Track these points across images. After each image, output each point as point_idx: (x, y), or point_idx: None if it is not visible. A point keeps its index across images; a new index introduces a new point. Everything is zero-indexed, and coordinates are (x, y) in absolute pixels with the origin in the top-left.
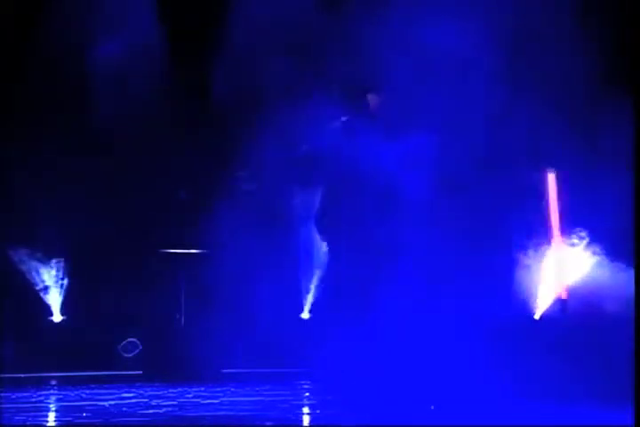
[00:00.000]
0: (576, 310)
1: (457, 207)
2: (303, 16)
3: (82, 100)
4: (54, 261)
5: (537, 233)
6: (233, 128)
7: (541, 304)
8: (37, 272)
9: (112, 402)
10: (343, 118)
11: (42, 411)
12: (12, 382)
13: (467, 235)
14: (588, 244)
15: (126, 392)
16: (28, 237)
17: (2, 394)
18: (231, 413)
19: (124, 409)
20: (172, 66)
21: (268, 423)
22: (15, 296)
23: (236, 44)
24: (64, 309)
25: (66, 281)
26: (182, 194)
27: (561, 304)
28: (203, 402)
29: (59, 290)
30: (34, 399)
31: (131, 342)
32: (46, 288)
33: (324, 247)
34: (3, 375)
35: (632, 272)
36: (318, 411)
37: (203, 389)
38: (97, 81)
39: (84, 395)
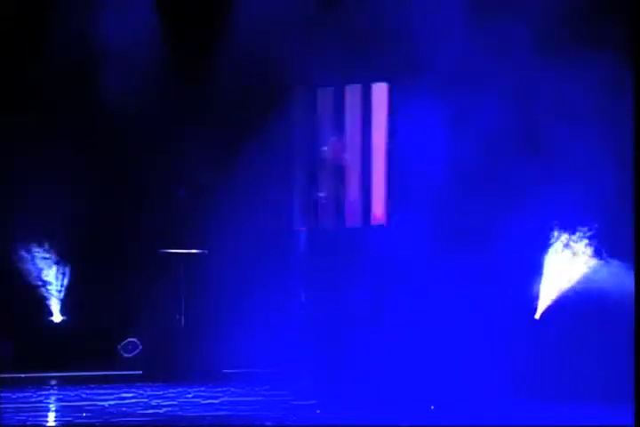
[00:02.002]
0: (576, 310)
1: (460, 204)
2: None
3: (82, 98)
4: (54, 261)
5: (538, 230)
6: (235, 124)
7: (541, 304)
8: (37, 272)
9: (112, 402)
10: (324, 148)
11: (42, 411)
12: (12, 382)
13: (466, 232)
14: (589, 241)
15: (126, 392)
16: (28, 237)
17: (2, 394)
18: (231, 413)
19: (124, 409)
20: (172, 64)
21: (267, 423)
22: (15, 296)
23: (240, 31)
24: (64, 309)
25: (66, 281)
26: (181, 192)
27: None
28: (203, 402)
29: (59, 290)
30: (34, 399)
31: (131, 342)
32: (46, 288)
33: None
34: (3, 375)
35: (632, 272)
36: (318, 411)
37: (203, 389)
38: (97, 79)
39: (83, 395)
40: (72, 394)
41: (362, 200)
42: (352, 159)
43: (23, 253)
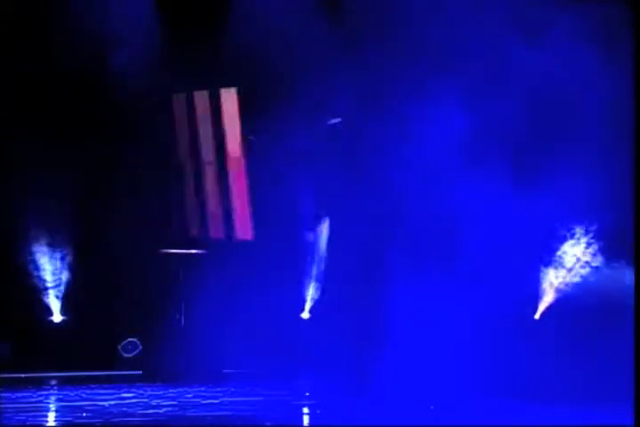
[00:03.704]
0: (576, 310)
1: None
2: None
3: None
4: (54, 261)
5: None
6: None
7: (542, 304)
8: (38, 272)
9: (112, 402)
10: (334, 120)
11: (42, 411)
12: (12, 382)
13: (465, 233)
14: (590, 241)
15: (126, 392)
16: (29, 237)
17: (2, 394)
18: (231, 413)
19: (124, 409)
20: (173, 63)
21: (267, 423)
22: (15, 296)
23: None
24: (64, 309)
25: (66, 281)
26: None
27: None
28: (203, 402)
29: (59, 290)
30: (34, 399)
31: (131, 342)
32: (46, 288)
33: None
34: (3, 375)
35: (632, 271)
36: (318, 411)
37: (203, 389)
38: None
39: (84, 395)
40: (72, 394)
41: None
42: None
43: (24, 254)
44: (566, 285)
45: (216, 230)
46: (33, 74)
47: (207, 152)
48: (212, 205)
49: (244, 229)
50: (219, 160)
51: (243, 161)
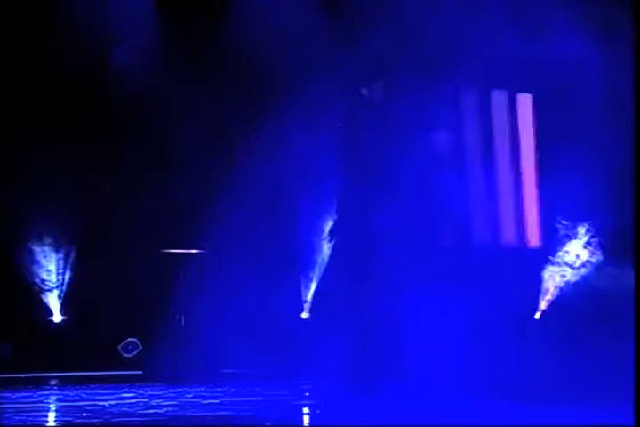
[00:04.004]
0: (575, 309)
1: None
2: None
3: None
4: (54, 261)
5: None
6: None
7: (542, 303)
8: (38, 272)
9: (112, 402)
10: (339, 124)
11: (42, 411)
12: (12, 382)
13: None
14: (590, 240)
15: (126, 392)
16: (29, 237)
17: (2, 394)
18: (231, 413)
19: (124, 409)
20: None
21: (267, 423)
22: (15, 296)
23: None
24: (64, 309)
25: (66, 281)
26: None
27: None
28: (203, 402)
29: (59, 290)
30: (34, 399)
31: (131, 342)
32: (46, 288)
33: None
34: (3, 375)
35: (632, 271)
36: (318, 411)
37: (203, 389)
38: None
39: (83, 395)
40: (72, 394)
41: None
42: None
43: (24, 254)
44: (567, 284)
45: (509, 236)
46: (33, 74)
47: (502, 154)
48: (506, 209)
49: (533, 235)
50: (513, 164)
51: (536, 166)
